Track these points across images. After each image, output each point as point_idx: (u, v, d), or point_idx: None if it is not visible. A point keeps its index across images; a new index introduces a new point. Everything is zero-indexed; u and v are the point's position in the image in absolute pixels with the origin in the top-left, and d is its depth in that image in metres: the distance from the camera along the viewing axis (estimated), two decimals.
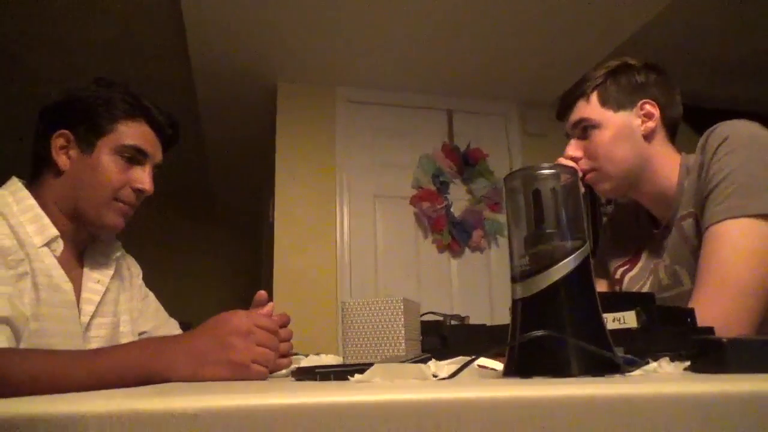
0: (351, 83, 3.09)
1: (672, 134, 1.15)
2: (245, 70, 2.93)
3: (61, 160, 1.04)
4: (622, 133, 1.11)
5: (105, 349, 0.78)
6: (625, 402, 0.29)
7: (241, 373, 0.70)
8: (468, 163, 3.15)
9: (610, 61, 1.18)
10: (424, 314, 1.11)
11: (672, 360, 0.51)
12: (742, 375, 0.37)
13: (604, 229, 1.33)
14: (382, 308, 0.97)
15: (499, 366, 0.57)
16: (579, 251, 0.49)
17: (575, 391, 0.29)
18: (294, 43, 2.71)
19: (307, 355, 1.14)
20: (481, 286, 3.05)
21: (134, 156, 1.07)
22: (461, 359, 0.54)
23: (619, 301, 0.66)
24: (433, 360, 0.66)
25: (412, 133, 3.16)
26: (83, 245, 1.11)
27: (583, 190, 0.72)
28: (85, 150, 1.05)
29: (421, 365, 0.49)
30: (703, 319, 0.71)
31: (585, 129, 1.14)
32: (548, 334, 0.45)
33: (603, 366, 0.47)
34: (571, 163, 1.15)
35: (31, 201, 1.01)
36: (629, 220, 1.26)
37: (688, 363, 0.50)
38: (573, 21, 2.60)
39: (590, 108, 1.13)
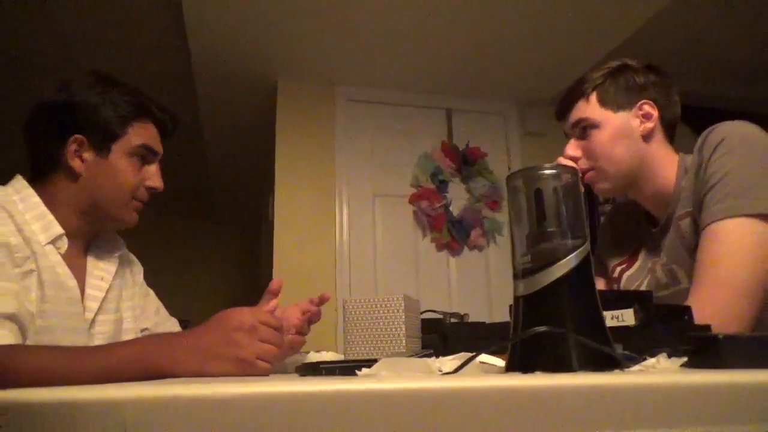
0: (351, 82, 3.10)
1: (670, 135, 1.16)
2: (245, 69, 2.94)
3: (76, 163, 1.05)
4: (621, 134, 1.12)
5: (113, 345, 0.80)
6: (625, 391, 0.30)
7: (245, 369, 0.71)
8: (467, 162, 3.16)
9: (610, 62, 1.19)
10: (423, 312, 1.12)
11: (670, 356, 0.52)
12: (737, 370, 0.38)
13: (603, 228, 1.34)
14: (384, 306, 0.98)
15: (500, 362, 0.58)
16: (580, 249, 0.50)
17: (577, 381, 0.30)
18: (294, 42, 2.72)
19: (308, 352, 1.16)
20: (479, 285, 3.06)
21: (146, 155, 1.11)
22: (464, 355, 0.55)
23: (618, 299, 0.67)
24: (434, 357, 0.67)
25: (412, 132, 3.17)
26: (87, 242, 1.12)
27: (582, 189, 0.73)
28: (101, 153, 1.06)
29: (427, 360, 0.50)
30: (700, 317, 0.72)
31: (584, 129, 1.15)
32: (550, 330, 0.46)
33: (603, 361, 0.48)
34: (570, 163, 1.16)
35: (36, 199, 1.02)
36: (627, 219, 1.27)
37: (685, 359, 0.52)
38: (572, 21, 2.61)
39: (590, 108, 1.15)
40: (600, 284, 1.28)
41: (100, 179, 1.06)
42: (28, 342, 0.87)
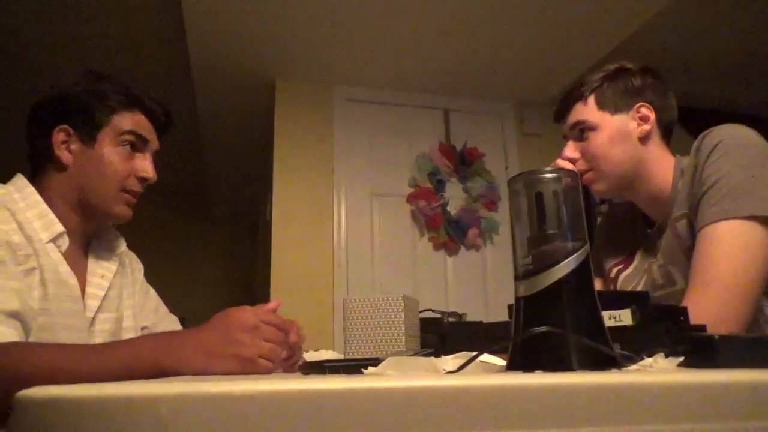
0: (349, 82, 3.10)
1: (667, 137, 1.18)
2: (243, 68, 2.94)
3: (64, 155, 1.05)
4: (619, 136, 1.14)
5: (117, 343, 0.80)
6: (623, 389, 0.31)
7: (248, 367, 0.71)
8: (464, 162, 3.17)
9: (608, 65, 1.20)
10: (422, 311, 1.13)
11: (666, 356, 0.54)
12: (731, 369, 0.39)
13: (600, 229, 1.36)
14: (383, 305, 0.99)
15: (501, 362, 0.59)
16: (579, 252, 0.51)
17: (578, 380, 0.32)
18: (292, 42, 2.73)
19: (306, 351, 1.16)
20: (476, 284, 3.07)
21: (135, 143, 1.09)
22: (465, 354, 0.56)
23: (615, 299, 0.68)
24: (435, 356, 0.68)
25: (410, 132, 3.18)
26: (87, 240, 1.12)
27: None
28: (87, 143, 1.06)
29: (432, 358, 0.51)
30: (695, 317, 0.74)
31: (582, 131, 1.17)
32: (550, 331, 0.47)
33: (602, 361, 0.49)
34: (568, 165, 1.17)
35: (37, 197, 1.02)
36: (624, 221, 1.28)
37: (681, 359, 0.53)
38: (569, 23, 2.62)
39: (588, 110, 1.16)
40: (597, 285, 1.28)
41: (88, 169, 1.06)
42: (31, 339, 0.88)
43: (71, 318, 1.00)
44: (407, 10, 2.51)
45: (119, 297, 1.15)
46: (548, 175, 0.54)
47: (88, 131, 1.06)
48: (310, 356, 1.11)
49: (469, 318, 1.27)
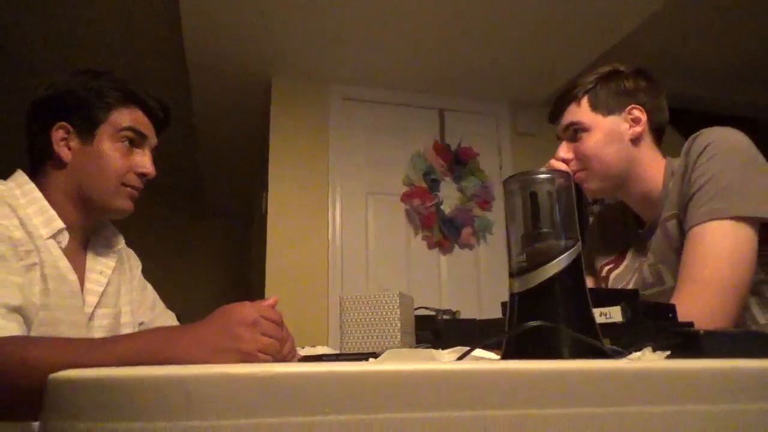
0: (345, 81, 3.11)
1: (658, 139, 1.20)
2: (240, 66, 2.94)
3: (63, 151, 1.06)
4: (611, 137, 1.16)
5: (119, 337, 0.81)
6: (610, 374, 0.34)
7: (248, 361, 0.73)
8: (459, 162, 3.19)
9: (601, 68, 1.22)
10: (416, 309, 1.15)
11: (654, 350, 0.56)
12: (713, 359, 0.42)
13: (592, 229, 1.38)
14: (379, 302, 1.01)
15: (494, 356, 0.61)
16: (572, 250, 0.53)
17: (569, 366, 0.34)
18: (289, 40, 2.74)
19: (302, 347, 1.18)
20: (469, 282, 3.10)
21: (134, 138, 1.10)
22: (460, 349, 0.58)
23: (606, 297, 0.70)
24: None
25: (405, 131, 3.19)
26: (86, 236, 1.13)
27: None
28: (86, 140, 1.07)
29: (432, 350, 0.53)
30: (684, 315, 0.76)
31: (576, 132, 1.19)
32: (543, 325, 0.49)
33: (592, 354, 0.51)
34: (562, 165, 1.20)
35: (37, 193, 1.03)
36: (616, 221, 1.30)
37: (668, 353, 0.55)
38: (563, 24, 2.64)
39: (581, 112, 1.18)
40: (589, 283, 1.31)
41: (87, 166, 1.06)
42: (32, 334, 0.89)
43: (71, 313, 1.01)
44: (403, 10, 2.53)
45: (117, 293, 1.16)
46: (542, 176, 0.56)
47: (87, 128, 1.07)
48: (305, 352, 1.13)
49: (463, 315, 1.29)
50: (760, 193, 0.98)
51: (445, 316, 1.23)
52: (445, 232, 3.07)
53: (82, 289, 1.06)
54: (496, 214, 3.16)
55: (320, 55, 2.88)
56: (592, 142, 1.16)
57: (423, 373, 0.30)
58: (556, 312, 0.51)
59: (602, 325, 0.64)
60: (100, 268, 1.13)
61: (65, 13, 2.65)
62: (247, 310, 0.77)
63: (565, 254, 0.53)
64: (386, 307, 1.01)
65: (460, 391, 0.30)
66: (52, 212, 1.03)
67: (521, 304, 0.54)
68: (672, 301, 0.91)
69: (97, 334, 1.07)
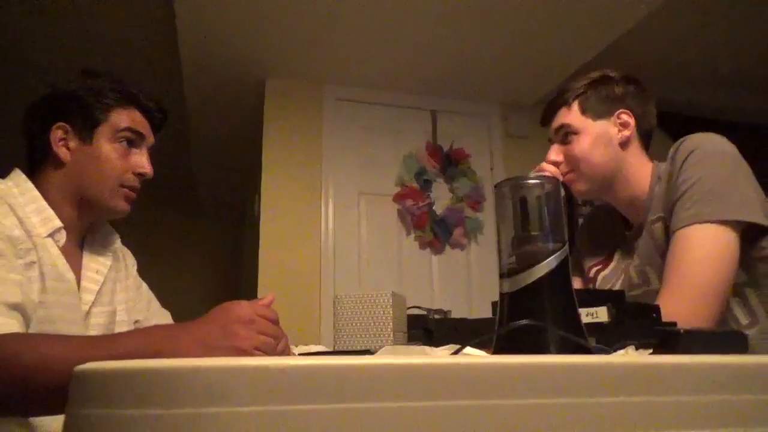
0: (339, 81, 3.13)
1: (646, 143, 1.23)
2: (234, 66, 2.95)
3: (62, 152, 1.07)
4: (600, 140, 1.19)
5: (118, 335, 0.83)
6: (592, 368, 0.37)
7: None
8: (451, 163, 3.21)
9: (592, 73, 1.25)
10: (408, 308, 1.17)
11: (637, 348, 0.58)
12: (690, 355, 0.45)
13: (581, 231, 1.41)
14: (372, 301, 1.03)
15: (485, 355, 0.63)
16: (559, 252, 0.56)
17: (555, 360, 0.37)
18: (283, 40, 2.75)
19: (297, 346, 1.20)
20: (460, 282, 3.12)
21: (132, 139, 1.12)
22: (452, 347, 0.60)
23: (593, 297, 0.72)
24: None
25: (397, 132, 3.22)
26: (83, 235, 1.14)
27: (563, 192, 0.79)
28: (85, 140, 1.08)
29: (425, 347, 0.55)
30: (668, 315, 0.78)
31: (566, 135, 1.21)
32: (531, 323, 0.52)
33: (578, 351, 0.53)
34: (552, 168, 1.22)
35: (35, 192, 1.04)
36: (604, 223, 1.33)
37: (651, 351, 0.57)
38: (555, 27, 2.67)
39: (571, 115, 1.21)
40: (577, 283, 1.34)
41: (86, 166, 1.08)
42: (31, 331, 0.90)
43: (68, 311, 1.02)
44: (397, 12, 2.54)
45: (113, 291, 1.17)
46: (532, 181, 0.58)
47: (86, 128, 1.08)
48: (299, 350, 1.15)
49: (454, 315, 1.31)
50: (741, 197, 1.02)
51: (436, 316, 1.25)
52: (437, 232, 3.10)
53: (78, 288, 1.08)
54: (487, 215, 3.18)
55: (314, 56, 2.89)
56: (581, 144, 1.19)
57: (421, 366, 0.32)
58: (544, 311, 0.54)
59: (589, 324, 0.66)
60: (97, 266, 1.14)
61: (62, 14, 2.64)
62: (243, 308, 0.79)
63: (553, 256, 0.55)
64: (379, 306, 1.03)
65: (453, 382, 0.32)
66: (50, 211, 1.04)
67: (511, 303, 0.56)
68: (657, 302, 0.93)
69: (94, 331, 1.08)
